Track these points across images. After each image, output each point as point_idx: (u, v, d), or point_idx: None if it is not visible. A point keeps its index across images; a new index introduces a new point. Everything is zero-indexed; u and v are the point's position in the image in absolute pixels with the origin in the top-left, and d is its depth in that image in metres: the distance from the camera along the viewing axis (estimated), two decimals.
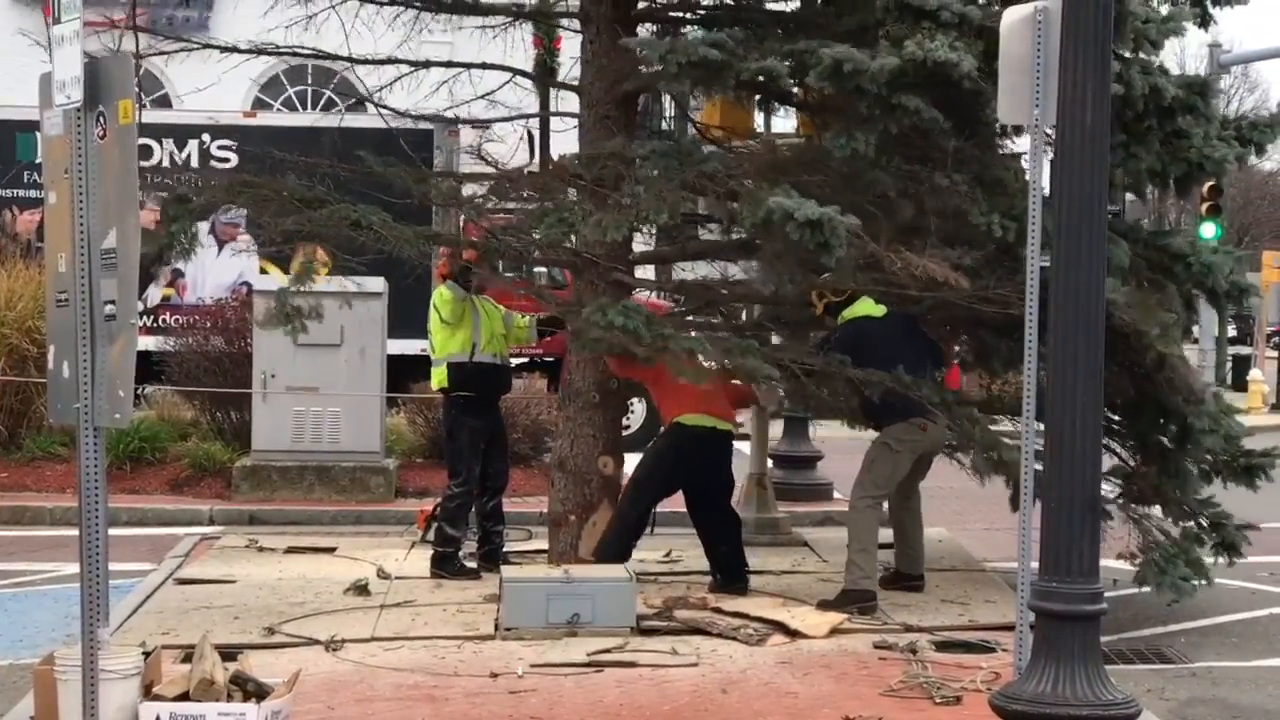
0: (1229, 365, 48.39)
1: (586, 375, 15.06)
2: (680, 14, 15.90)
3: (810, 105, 14.75)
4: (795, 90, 13.95)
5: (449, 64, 16.92)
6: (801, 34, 13.90)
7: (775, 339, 16.24)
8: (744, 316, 17.02)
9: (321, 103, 43.74)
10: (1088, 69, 9.23)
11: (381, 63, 16.18)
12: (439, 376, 15.83)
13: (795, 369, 13.67)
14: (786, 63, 12.84)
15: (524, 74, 17.12)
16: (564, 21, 17.30)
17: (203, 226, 28.75)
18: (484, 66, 16.75)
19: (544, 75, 21.55)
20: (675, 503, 15.33)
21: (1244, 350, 50.15)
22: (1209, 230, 38.59)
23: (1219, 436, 14.51)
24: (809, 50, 12.75)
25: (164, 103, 41.66)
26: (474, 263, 15.51)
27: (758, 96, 15.37)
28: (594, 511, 15.02)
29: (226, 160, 28.24)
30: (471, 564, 15.90)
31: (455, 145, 25.98)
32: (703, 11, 15.72)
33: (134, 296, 9.35)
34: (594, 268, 14.68)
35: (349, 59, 16.57)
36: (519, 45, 17.05)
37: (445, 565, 15.68)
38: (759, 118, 17.36)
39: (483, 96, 17.48)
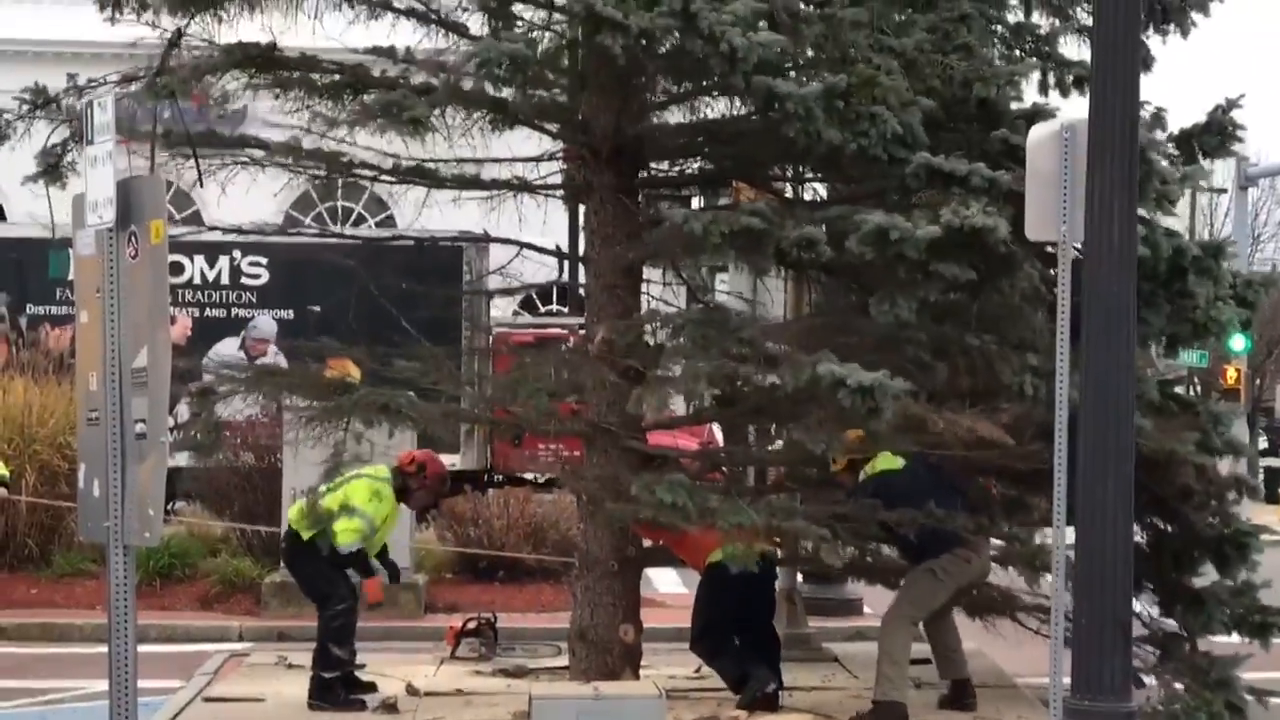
0: (1261, 478, 48.17)
1: (604, 543, 14.88)
2: (683, 181, 16.06)
3: (842, 271, 14.74)
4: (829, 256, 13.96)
5: (469, 238, 16.99)
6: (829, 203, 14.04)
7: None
8: (750, 475, 17.07)
9: (352, 218, 44.05)
10: (1115, 185, 9.28)
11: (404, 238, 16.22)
12: (336, 537, 15.37)
13: (834, 526, 13.62)
14: (822, 230, 12.97)
15: (536, 249, 17.21)
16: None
17: (232, 342, 29.17)
18: (498, 241, 16.90)
19: (560, 251, 21.61)
20: None
21: (1276, 463, 49.91)
22: (1239, 344, 38.53)
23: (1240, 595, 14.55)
24: (844, 216, 12.88)
25: (195, 219, 41.95)
26: (428, 476, 15.63)
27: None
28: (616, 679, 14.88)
29: (257, 276, 28.41)
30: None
31: (484, 262, 26.10)
32: (706, 165, 15.85)
33: (164, 415, 9.38)
34: (608, 436, 14.65)
35: (376, 177, 16.64)
36: (527, 207, 17.13)
37: (327, 696, 15.13)
38: None
39: (495, 271, 17.60)
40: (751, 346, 13.45)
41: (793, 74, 13.77)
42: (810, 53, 13.71)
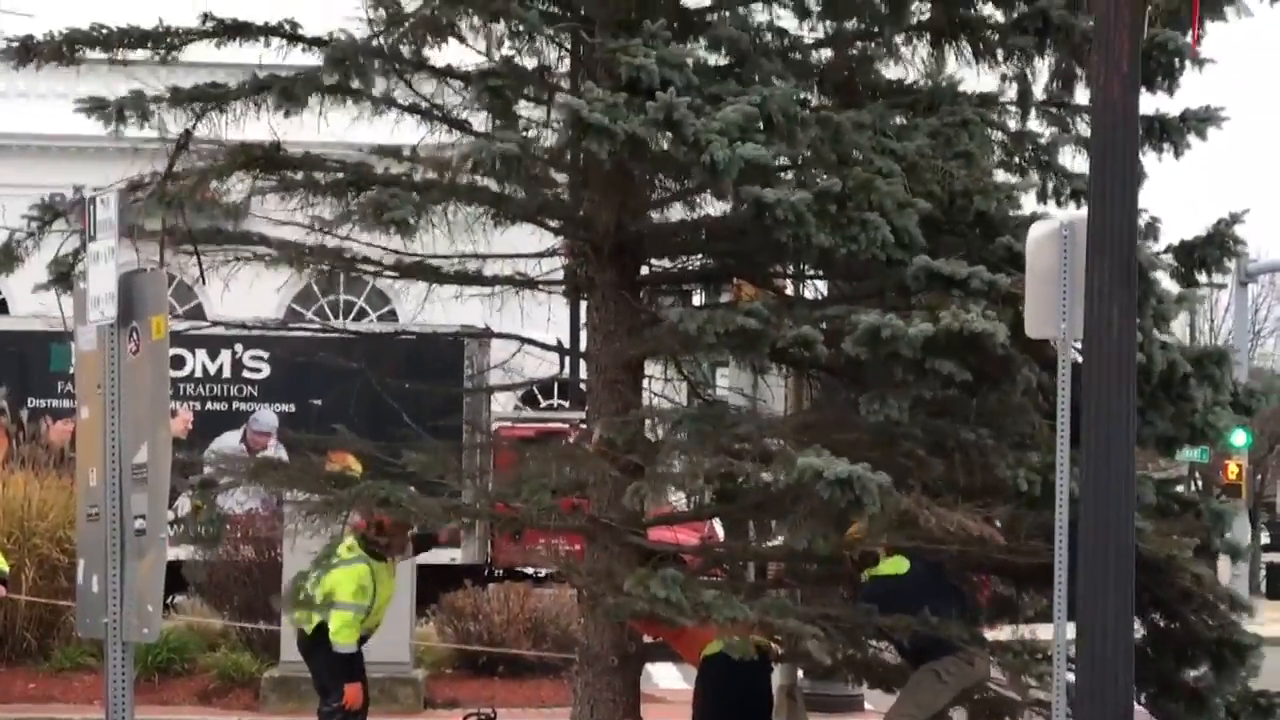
0: (1263, 574, 48.03)
1: (604, 639, 14.82)
2: (684, 278, 16.12)
3: (840, 369, 14.78)
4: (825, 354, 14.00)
5: (471, 333, 16.97)
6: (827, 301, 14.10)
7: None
8: (750, 571, 17.07)
9: (354, 312, 44.13)
10: (1114, 284, 9.31)
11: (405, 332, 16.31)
12: (334, 635, 15.56)
13: (827, 626, 13.61)
14: (820, 328, 13.02)
15: (537, 344, 17.27)
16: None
17: (233, 435, 29.17)
18: (499, 336, 16.95)
19: (561, 347, 21.66)
20: None
21: (1278, 558, 49.77)
22: (1240, 439, 38.51)
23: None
24: (841, 316, 12.92)
25: (197, 313, 41.99)
26: (388, 527, 15.68)
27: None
28: None
29: (259, 370, 28.44)
30: None
31: (485, 357, 26.14)
32: (706, 262, 15.92)
33: (164, 511, 9.39)
34: (609, 531, 14.66)
35: (378, 273, 16.69)
36: (530, 302, 17.19)
37: None
38: None
39: (497, 367, 17.66)
40: (749, 443, 13.46)
41: (790, 174, 13.85)
42: (808, 152, 13.77)
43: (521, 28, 13.96)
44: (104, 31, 15.92)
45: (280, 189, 15.64)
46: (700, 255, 16.30)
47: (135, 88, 16.08)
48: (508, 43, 14.62)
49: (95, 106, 15.73)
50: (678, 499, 15.34)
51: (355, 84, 15.43)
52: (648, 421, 14.83)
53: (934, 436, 13.27)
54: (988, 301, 12.45)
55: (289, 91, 15.10)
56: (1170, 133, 15.38)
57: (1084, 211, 10.14)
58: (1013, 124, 15.76)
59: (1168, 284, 14.48)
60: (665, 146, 12.82)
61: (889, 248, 12.93)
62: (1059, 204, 15.14)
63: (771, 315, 13.13)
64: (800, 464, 12.19)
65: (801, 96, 14.11)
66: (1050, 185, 15.27)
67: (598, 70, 14.17)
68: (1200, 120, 15.40)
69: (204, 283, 15.96)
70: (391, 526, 15.71)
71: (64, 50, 15.77)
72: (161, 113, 15.56)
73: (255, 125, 16.18)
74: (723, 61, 14.49)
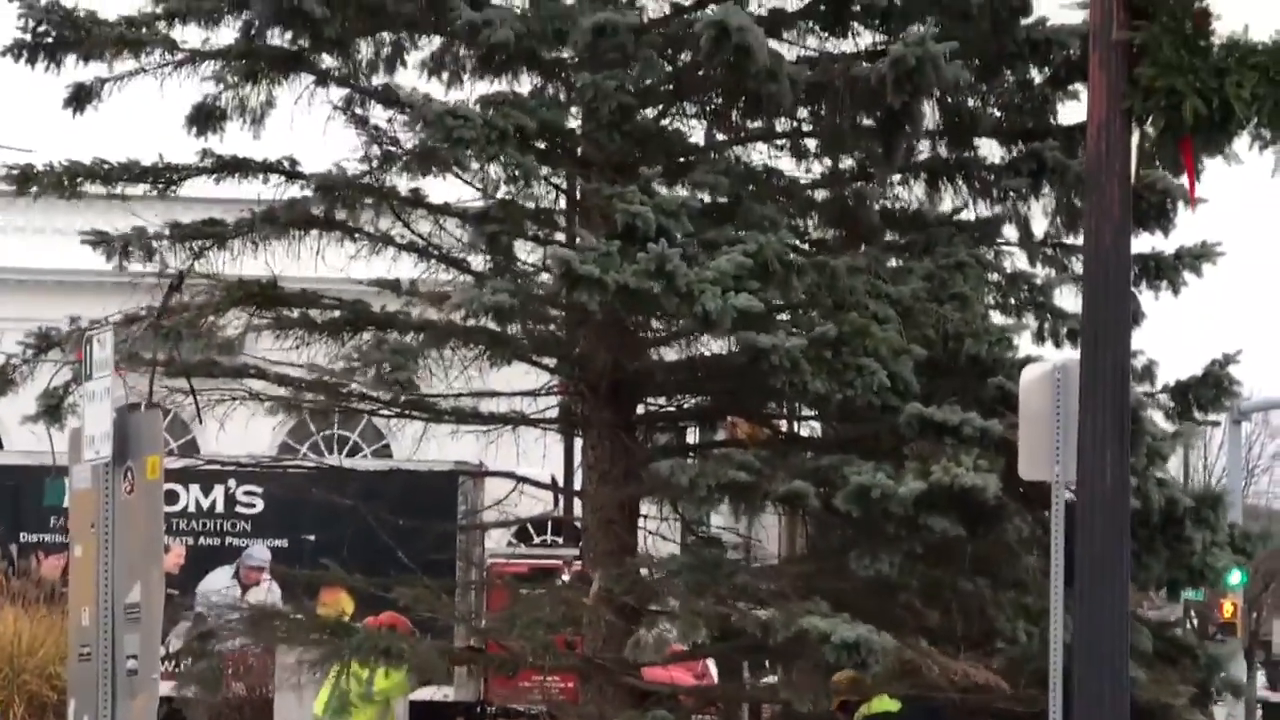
0: (1259, 713, 47.70)
1: None
2: (679, 416, 16.18)
3: (833, 520, 14.79)
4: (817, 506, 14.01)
5: (465, 471, 16.96)
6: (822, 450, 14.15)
7: None
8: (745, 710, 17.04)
9: (348, 447, 44.06)
10: (1107, 428, 9.31)
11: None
12: None
13: None
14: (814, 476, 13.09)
15: (532, 482, 17.29)
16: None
17: (226, 571, 29.03)
18: (494, 474, 16.99)
19: (555, 485, 21.72)
20: None
21: (1275, 697, 49.47)
22: (1234, 578, 38.34)
23: None
24: (835, 467, 12.97)
25: (191, 447, 41.89)
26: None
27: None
28: None
29: (252, 505, 28.34)
30: None
31: (479, 494, 26.09)
32: (702, 401, 15.98)
33: (157, 651, 9.35)
34: (603, 672, 14.62)
35: (375, 411, 16.73)
36: (525, 439, 17.24)
37: None
38: None
39: (492, 506, 17.70)
40: (744, 593, 13.51)
41: (785, 315, 13.92)
42: (804, 298, 13.86)
43: (518, 171, 14.08)
44: (105, 166, 16.06)
45: (276, 326, 15.72)
46: (696, 395, 16.37)
47: (136, 223, 16.24)
48: (505, 186, 14.73)
49: (99, 240, 15.85)
50: (671, 633, 15.32)
51: (344, 217, 15.58)
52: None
53: (930, 585, 13.30)
54: (980, 449, 12.50)
55: (272, 217, 15.25)
56: (1166, 271, 15.49)
57: (1077, 355, 10.18)
58: (1008, 265, 15.88)
59: (1163, 423, 14.56)
60: (656, 291, 12.90)
61: (884, 393, 12.99)
62: (1056, 344, 15.21)
63: (764, 467, 13.21)
64: (805, 624, 12.25)
65: (796, 242, 14.23)
66: (1046, 326, 15.36)
67: (594, 215, 14.29)
68: (1195, 257, 15.52)
69: (200, 421, 15.99)
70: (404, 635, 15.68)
71: (64, 182, 15.89)
72: (162, 249, 15.68)
73: (253, 262, 16.31)
74: (718, 198, 14.62)
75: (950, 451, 12.64)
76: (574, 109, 15.12)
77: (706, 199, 14.60)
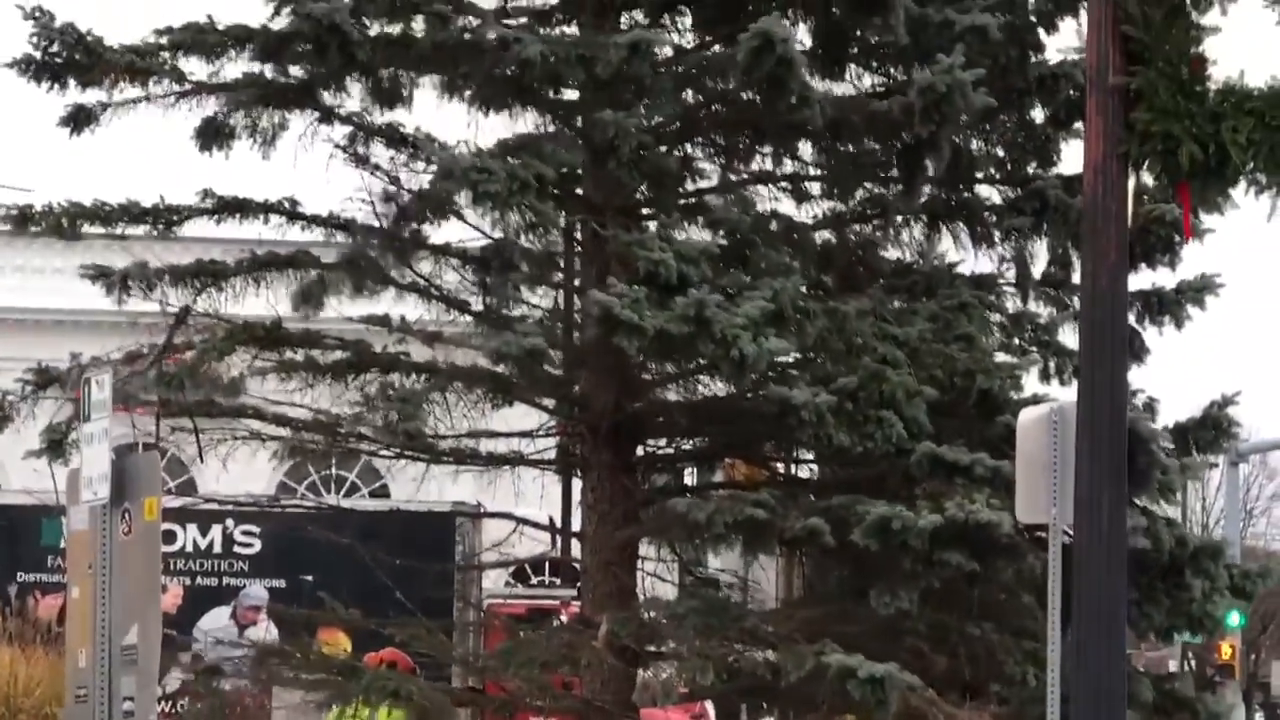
0: None
1: None
2: (679, 458, 16.21)
3: (845, 558, 14.80)
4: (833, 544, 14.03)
5: (464, 512, 16.95)
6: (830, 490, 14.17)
7: None
8: None
9: (345, 486, 44.02)
10: (1105, 471, 9.31)
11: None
12: None
13: None
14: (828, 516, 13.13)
15: (531, 524, 17.31)
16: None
17: (222, 612, 28.99)
18: (492, 516, 17.00)
19: (554, 527, 21.74)
20: None
21: None
22: (1233, 620, 38.29)
23: None
24: (847, 506, 13.00)
25: (189, 487, 41.84)
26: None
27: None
28: None
29: (250, 545, 28.31)
30: None
31: (477, 534, 26.07)
32: (701, 442, 16.00)
33: (153, 693, 9.36)
34: (601, 713, 14.62)
35: (375, 452, 16.75)
36: (523, 479, 17.25)
37: None
38: None
39: (491, 549, 17.70)
40: (754, 635, 13.54)
41: (796, 356, 13.94)
42: (815, 340, 13.91)
43: (536, 219, 14.06)
44: (105, 208, 16.08)
45: (281, 370, 15.74)
46: (695, 437, 16.38)
47: (138, 260, 16.25)
48: (524, 235, 14.73)
49: (99, 274, 15.85)
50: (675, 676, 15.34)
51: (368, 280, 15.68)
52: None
53: (937, 629, 13.31)
54: (991, 489, 12.52)
55: (309, 295, 15.35)
56: (1169, 306, 15.51)
57: (1073, 397, 10.19)
58: (1011, 305, 15.91)
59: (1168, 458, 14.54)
60: (693, 336, 12.94)
61: (901, 441, 13.06)
62: (1061, 383, 15.22)
63: (778, 506, 13.24)
64: (827, 660, 12.26)
65: (806, 287, 14.28)
66: (1051, 364, 15.37)
67: (610, 259, 14.30)
68: (1197, 290, 15.54)
69: (201, 461, 16.00)
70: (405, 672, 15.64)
71: (64, 224, 15.90)
72: (163, 285, 15.69)
73: (254, 300, 16.33)
74: (734, 238, 14.66)
75: (963, 490, 12.67)
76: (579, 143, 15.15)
77: (722, 239, 14.67)
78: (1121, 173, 9.13)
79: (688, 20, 15.68)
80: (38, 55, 15.22)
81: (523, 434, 16.64)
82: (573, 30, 15.56)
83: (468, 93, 15.29)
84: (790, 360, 13.41)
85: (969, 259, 15.98)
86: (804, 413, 12.82)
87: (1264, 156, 8.96)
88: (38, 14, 15.12)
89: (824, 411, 12.84)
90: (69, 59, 15.18)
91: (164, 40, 15.40)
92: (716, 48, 15.39)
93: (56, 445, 15.30)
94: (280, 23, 14.70)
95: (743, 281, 13.74)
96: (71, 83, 15.40)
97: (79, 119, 15.72)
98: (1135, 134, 9.01)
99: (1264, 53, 9.51)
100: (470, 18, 15.04)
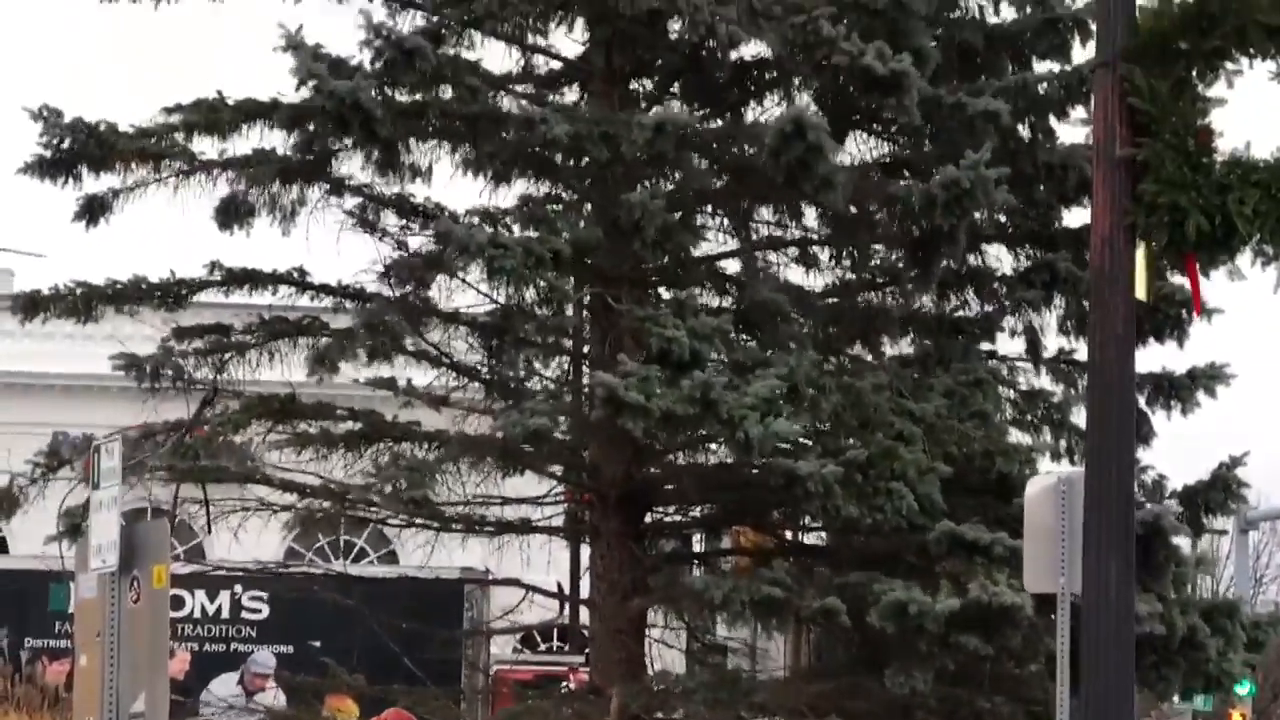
0: None
1: None
2: (686, 526, 16.25)
3: (860, 638, 14.78)
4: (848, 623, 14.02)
5: (472, 579, 16.95)
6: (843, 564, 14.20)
7: None
8: None
9: (354, 552, 43.97)
10: (1112, 542, 9.29)
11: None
12: None
13: None
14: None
15: (540, 591, 17.32)
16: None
17: (230, 678, 28.94)
18: (501, 583, 17.01)
19: (562, 594, 21.76)
20: None
21: None
22: (1244, 689, 38.10)
23: None
24: (863, 584, 13.01)
25: (197, 552, 41.80)
26: None
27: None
28: None
29: (258, 611, 28.30)
30: None
31: (485, 601, 26.05)
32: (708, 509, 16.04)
33: None
34: None
35: (384, 520, 16.79)
36: (531, 545, 17.27)
37: None
38: None
39: (500, 618, 17.75)
40: (763, 710, 13.54)
41: (807, 430, 13.96)
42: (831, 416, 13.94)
43: (552, 294, 14.11)
44: (116, 285, 16.15)
45: (296, 443, 15.80)
46: (704, 504, 16.41)
47: (145, 330, 16.33)
48: (537, 308, 14.78)
49: (129, 364, 15.89)
50: None
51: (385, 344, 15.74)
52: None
53: (949, 704, 13.30)
54: (1010, 569, 12.53)
55: (324, 358, 15.39)
56: (1179, 391, 15.54)
57: (1081, 468, 10.19)
58: (1023, 380, 15.94)
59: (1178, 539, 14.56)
60: (698, 417, 12.98)
61: (912, 515, 13.06)
62: (1072, 462, 15.21)
63: (794, 585, 13.25)
64: None
65: (821, 359, 14.31)
66: (1064, 444, 15.39)
67: (623, 335, 14.34)
68: (1209, 378, 15.57)
69: (210, 532, 16.04)
70: None
71: (78, 307, 15.97)
72: (188, 366, 15.78)
73: (267, 370, 16.42)
74: (731, 304, 14.70)
75: (983, 570, 12.70)
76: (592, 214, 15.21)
77: (731, 302, 14.72)
78: (1129, 244, 9.15)
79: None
80: (48, 154, 15.27)
81: (531, 500, 16.67)
82: (574, 92, 15.69)
83: (489, 170, 15.37)
84: (802, 432, 13.39)
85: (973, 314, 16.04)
86: (810, 484, 12.83)
87: (1270, 228, 8.99)
88: (45, 113, 15.18)
89: (831, 483, 12.86)
90: (81, 152, 15.23)
91: (174, 119, 15.47)
92: (719, 120, 15.49)
93: (75, 529, 15.34)
94: (298, 96, 14.79)
95: (757, 355, 13.79)
96: (85, 174, 15.47)
97: (93, 210, 15.81)
98: (1142, 205, 9.03)
99: (1270, 125, 9.55)
100: (495, 90, 15.13)
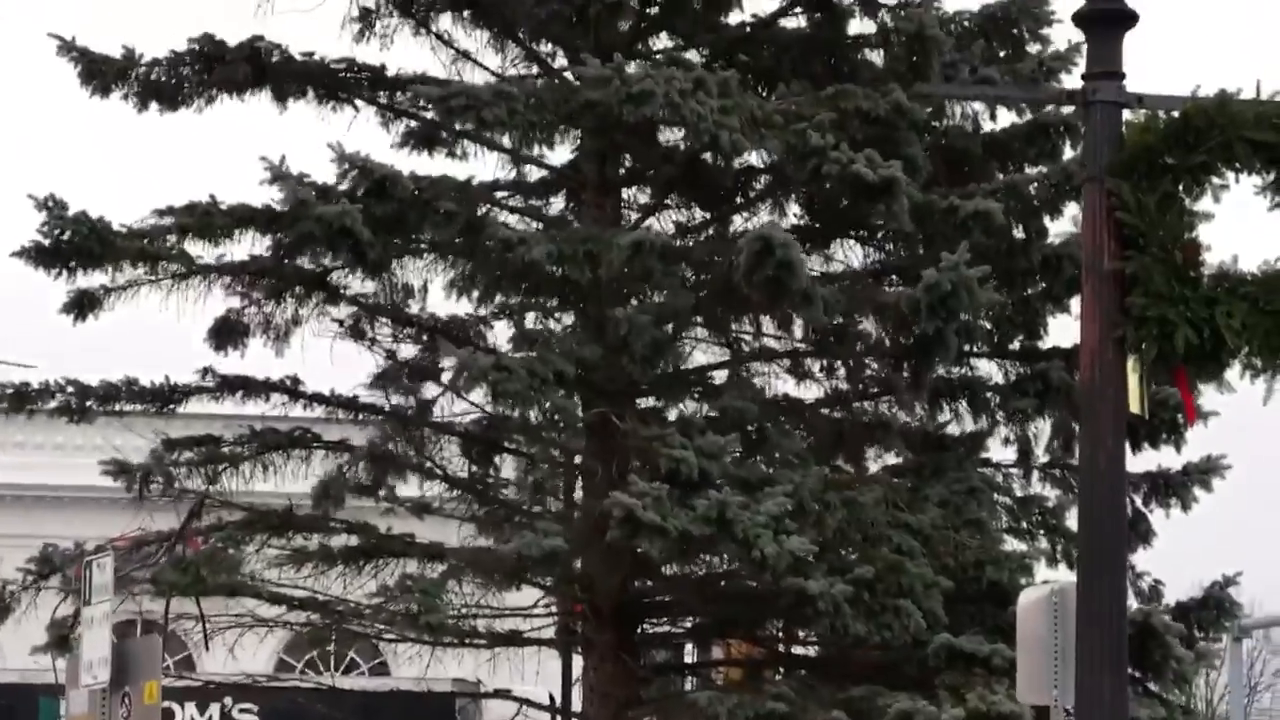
0: None
1: None
2: (677, 637, 16.25)
3: None
4: None
5: (464, 693, 16.95)
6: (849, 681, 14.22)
7: None
8: None
9: (344, 663, 43.78)
10: (1105, 654, 9.24)
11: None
12: None
13: None
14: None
15: (532, 704, 17.31)
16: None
17: None
18: (492, 696, 17.00)
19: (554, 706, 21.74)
20: None
21: None
22: None
23: None
24: (867, 698, 13.01)
25: (187, 664, 41.57)
26: None
27: None
28: None
29: None
30: None
31: (478, 713, 25.91)
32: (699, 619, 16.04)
33: None
34: None
35: (379, 635, 16.74)
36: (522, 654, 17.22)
37: None
38: None
39: None
40: None
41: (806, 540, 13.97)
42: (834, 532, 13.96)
43: (558, 417, 14.14)
44: (108, 386, 16.17)
45: (296, 560, 15.80)
46: (698, 615, 16.38)
47: (135, 440, 16.35)
48: (544, 433, 14.81)
49: (120, 470, 15.91)
50: None
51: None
52: None
53: None
54: (1009, 680, 12.51)
55: (327, 491, 15.46)
56: (1175, 488, 15.57)
57: (1073, 578, 10.18)
58: (1017, 486, 15.95)
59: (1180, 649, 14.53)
60: (714, 537, 13.00)
61: (919, 632, 13.07)
62: (1069, 567, 15.20)
63: (798, 699, 13.23)
64: None
65: (825, 475, 14.34)
66: (1059, 549, 15.38)
67: (629, 454, 14.37)
68: (1203, 473, 15.60)
69: (208, 649, 16.03)
70: None
71: (73, 406, 15.99)
72: (180, 475, 15.80)
73: (261, 482, 16.44)
74: (746, 427, 14.73)
75: (981, 681, 12.68)
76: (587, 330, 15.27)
77: (716, 412, 14.74)
78: (1118, 356, 9.18)
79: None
80: (47, 243, 15.33)
81: (521, 612, 16.63)
82: (562, 198, 15.79)
83: (475, 291, 15.47)
84: (815, 549, 13.38)
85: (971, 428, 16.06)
86: (821, 603, 12.85)
87: (1258, 341, 9.02)
88: (50, 204, 15.26)
89: (840, 602, 12.87)
90: (79, 246, 15.30)
91: (167, 221, 15.55)
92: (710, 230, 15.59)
93: (62, 640, 15.31)
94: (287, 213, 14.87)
95: (762, 473, 13.84)
96: (79, 268, 15.53)
97: (83, 305, 15.86)
98: (1131, 318, 9.06)
99: (1256, 238, 9.63)
100: (483, 203, 15.22)
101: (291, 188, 14.02)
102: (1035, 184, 15.57)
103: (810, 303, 13.81)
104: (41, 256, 15.38)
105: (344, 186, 14.27)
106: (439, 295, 16.30)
